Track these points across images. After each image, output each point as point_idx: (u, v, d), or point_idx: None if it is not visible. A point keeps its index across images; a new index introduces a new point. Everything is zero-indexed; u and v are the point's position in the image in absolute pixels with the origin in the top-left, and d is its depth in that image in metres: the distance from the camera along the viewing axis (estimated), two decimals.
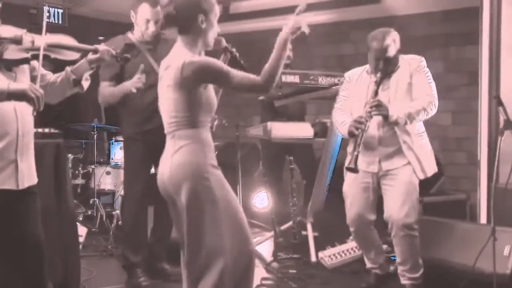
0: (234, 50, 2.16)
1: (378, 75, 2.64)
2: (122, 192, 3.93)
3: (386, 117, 2.57)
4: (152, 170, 3.13)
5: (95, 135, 4.21)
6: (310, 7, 5.54)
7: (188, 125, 2.00)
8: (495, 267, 2.30)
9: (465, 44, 5.06)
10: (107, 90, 2.90)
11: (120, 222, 3.76)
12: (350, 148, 2.74)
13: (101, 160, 4.45)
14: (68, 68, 2.07)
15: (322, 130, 3.48)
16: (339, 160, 3.56)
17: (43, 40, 1.91)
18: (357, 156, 2.52)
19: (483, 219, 3.37)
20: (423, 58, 2.72)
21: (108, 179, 4.26)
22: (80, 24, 5.33)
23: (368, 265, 2.97)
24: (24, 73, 2.00)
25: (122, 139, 3.46)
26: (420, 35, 4.82)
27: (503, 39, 3.33)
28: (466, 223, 3.27)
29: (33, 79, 2.05)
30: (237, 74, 1.97)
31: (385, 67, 2.64)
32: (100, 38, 5.60)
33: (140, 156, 2.95)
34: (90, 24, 5.71)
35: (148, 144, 2.92)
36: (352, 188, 2.78)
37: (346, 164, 2.63)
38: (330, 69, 4.53)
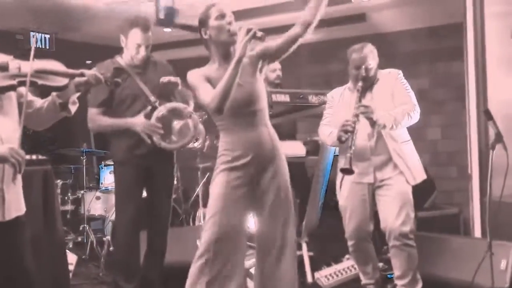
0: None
1: (360, 83, 2.71)
2: (112, 217, 3.87)
3: (372, 122, 2.62)
4: (144, 194, 3.10)
5: (84, 160, 4.16)
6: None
7: None
8: (494, 282, 2.28)
9: (452, 59, 5.14)
10: (102, 120, 2.84)
11: (111, 248, 3.68)
12: (341, 163, 2.76)
13: (91, 185, 4.38)
14: (54, 93, 2.04)
15: (314, 148, 3.47)
16: (332, 178, 3.55)
17: (30, 66, 1.89)
18: (351, 158, 2.54)
19: (477, 232, 3.37)
20: (400, 71, 2.82)
21: (98, 204, 4.20)
22: (67, 49, 5.33)
23: (364, 281, 2.95)
24: (11, 100, 1.96)
25: (112, 163, 3.42)
26: (407, 51, 4.90)
27: (488, 53, 3.38)
28: (461, 238, 3.27)
29: (20, 106, 2.02)
30: (200, 91, 2.12)
31: (365, 76, 2.72)
32: (88, 62, 5.60)
33: (131, 180, 2.90)
34: (77, 49, 5.71)
35: (139, 168, 2.88)
36: (349, 201, 2.81)
37: (340, 166, 2.67)
38: (318, 87, 4.57)
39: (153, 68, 2.94)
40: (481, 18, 3.39)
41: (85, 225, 4.01)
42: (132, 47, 2.81)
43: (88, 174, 4.44)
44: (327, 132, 2.84)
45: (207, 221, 2.20)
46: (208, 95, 2.10)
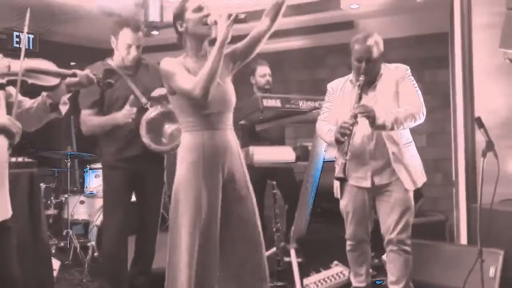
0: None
1: (361, 78, 2.55)
2: (97, 222, 3.79)
3: (372, 121, 2.48)
4: (133, 199, 3.04)
5: (69, 163, 4.07)
6: (286, 33, 5.64)
7: None
8: None
9: (438, 67, 5.22)
10: (93, 120, 2.80)
11: (95, 254, 3.60)
12: (339, 161, 2.66)
13: (74, 189, 4.29)
14: (44, 93, 1.99)
15: (304, 154, 3.46)
16: (321, 184, 3.54)
17: (20, 65, 1.84)
18: (345, 165, 2.46)
19: (463, 239, 3.39)
20: (408, 67, 2.68)
21: (81, 209, 4.10)
22: (51, 50, 5.23)
23: (355, 283, 2.89)
24: None
25: (101, 166, 3.34)
26: (394, 59, 4.94)
27: (475, 62, 3.42)
28: (451, 245, 3.29)
29: (8, 105, 1.96)
30: (178, 78, 2.06)
31: (368, 70, 2.56)
32: (72, 63, 5.52)
33: (120, 184, 2.85)
34: (61, 50, 5.61)
35: (128, 172, 2.83)
36: (350, 205, 2.73)
37: (335, 174, 2.58)
38: (306, 93, 4.60)
39: (144, 70, 2.91)
40: (468, 29, 3.43)
41: (69, 230, 3.92)
42: (123, 47, 2.78)
43: (71, 178, 4.33)
44: (325, 129, 2.70)
45: None
46: (188, 81, 2.05)
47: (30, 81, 1.90)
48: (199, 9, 2.12)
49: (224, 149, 2.16)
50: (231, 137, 2.21)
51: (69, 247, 3.94)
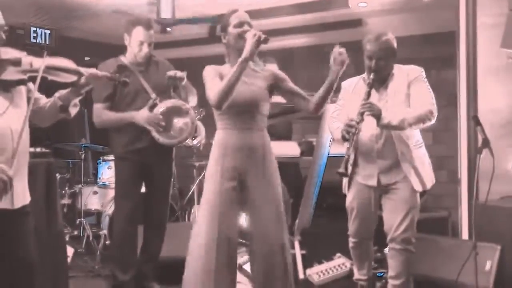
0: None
1: (371, 76, 2.57)
2: (109, 212, 3.93)
3: (378, 119, 2.51)
4: (143, 189, 3.17)
5: (83, 155, 4.21)
6: (294, 30, 5.69)
7: None
8: (477, 282, 2.38)
9: (444, 67, 5.25)
10: (108, 115, 2.92)
11: (107, 242, 3.75)
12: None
13: (88, 180, 4.43)
14: (56, 94, 2.10)
15: (309, 149, 3.56)
16: (325, 178, 3.64)
17: (42, 62, 1.96)
18: (347, 161, 2.49)
19: (465, 235, 3.47)
20: (422, 69, 2.69)
21: (94, 199, 4.25)
22: (67, 45, 5.37)
23: (357, 276, 2.95)
24: (21, 94, 2.03)
25: (113, 158, 3.47)
26: (401, 58, 4.99)
27: (479, 62, 3.49)
28: (448, 239, 3.37)
29: (28, 100, 2.09)
30: (207, 84, 2.26)
31: (378, 68, 2.57)
32: (86, 58, 5.67)
33: (130, 174, 2.97)
34: (77, 45, 5.75)
35: (138, 163, 2.95)
36: (355, 202, 2.75)
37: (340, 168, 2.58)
38: (313, 90, 4.68)
39: (155, 67, 3.03)
40: (473, 28, 3.50)
41: (82, 219, 4.06)
42: (135, 44, 2.91)
43: (85, 169, 4.48)
44: (335, 126, 2.74)
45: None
46: (213, 90, 2.21)
47: (50, 77, 2.03)
48: (240, 24, 2.28)
49: (247, 149, 2.29)
50: (258, 138, 2.33)
51: (82, 236, 4.09)
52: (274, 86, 2.40)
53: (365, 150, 2.65)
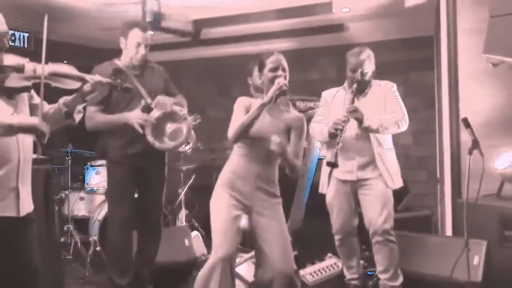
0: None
1: (355, 86, 2.90)
2: (99, 217, 3.89)
3: (360, 122, 2.83)
4: (136, 195, 3.16)
5: (69, 160, 4.15)
6: (278, 35, 5.74)
7: None
8: (470, 276, 2.49)
9: (423, 70, 5.43)
10: (100, 117, 2.91)
11: (97, 248, 3.71)
12: (327, 157, 2.97)
13: (74, 185, 4.37)
14: (61, 101, 2.10)
15: None
16: (315, 181, 3.71)
17: (44, 68, 1.96)
18: (337, 153, 2.74)
19: (448, 232, 3.60)
20: (394, 84, 3.06)
21: (81, 205, 4.20)
22: (46, 48, 5.28)
23: (348, 276, 3.13)
24: (24, 100, 2.02)
25: (101, 163, 3.44)
26: (382, 61, 5.14)
27: (460, 66, 3.62)
28: (438, 237, 3.49)
29: (31, 107, 2.07)
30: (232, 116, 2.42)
31: (361, 80, 2.91)
32: (65, 62, 5.58)
33: (124, 179, 2.97)
34: (55, 48, 5.65)
35: (132, 168, 2.95)
36: (336, 199, 3.01)
37: (327, 159, 2.87)
38: (296, 94, 4.76)
39: (150, 71, 3.04)
40: (454, 34, 3.63)
41: (69, 225, 4.01)
42: (132, 46, 2.91)
43: (71, 175, 4.41)
44: (318, 129, 3.04)
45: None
46: (233, 125, 2.38)
47: (53, 84, 2.03)
48: (275, 69, 2.43)
49: (243, 179, 2.42)
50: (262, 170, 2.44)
51: (69, 242, 4.03)
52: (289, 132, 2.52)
53: (346, 148, 2.88)
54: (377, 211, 2.89)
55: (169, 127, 2.97)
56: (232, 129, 2.38)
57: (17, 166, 1.91)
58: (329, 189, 3.04)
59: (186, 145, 3.78)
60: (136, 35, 2.91)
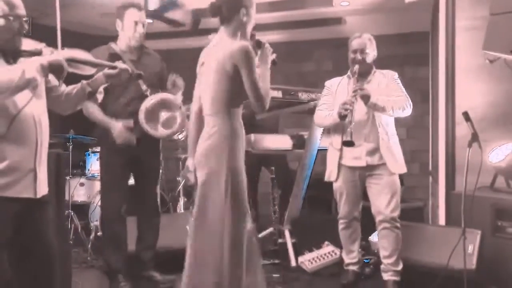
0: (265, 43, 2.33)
1: (357, 66, 2.97)
2: (100, 203, 3.92)
3: (367, 99, 2.86)
4: (131, 181, 3.18)
5: (71, 146, 4.16)
6: (276, 26, 5.78)
7: None
8: (465, 263, 2.60)
9: (418, 65, 5.53)
10: (91, 109, 2.88)
11: (99, 233, 3.75)
12: (337, 141, 3.03)
13: (74, 171, 4.39)
14: (84, 81, 2.15)
15: (300, 142, 3.70)
16: (314, 171, 3.80)
17: (60, 54, 1.99)
18: (351, 132, 2.78)
19: (441, 222, 3.72)
20: (396, 73, 3.13)
21: (81, 191, 4.23)
22: (43, 34, 5.25)
23: (347, 260, 3.22)
24: (41, 84, 2.05)
25: (99, 149, 3.46)
26: (378, 56, 5.24)
27: (457, 61, 3.72)
28: (434, 226, 3.61)
29: (48, 91, 2.11)
30: (258, 78, 2.20)
31: (362, 60, 2.98)
32: (63, 48, 5.54)
33: (118, 166, 2.97)
34: (53, 34, 5.62)
35: (127, 155, 2.95)
36: (344, 186, 3.08)
37: (344, 139, 2.85)
38: (291, 85, 4.82)
39: (146, 57, 3.04)
40: (452, 30, 3.72)
41: (70, 211, 4.04)
42: (130, 26, 2.91)
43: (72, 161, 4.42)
44: (323, 115, 3.09)
45: None
46: (259, 88, 2.26)
47: (69, 69, 2.06)
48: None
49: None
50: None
51: (70, 227, 4.06)
52: None
53: (354, 135, 2.88)
54: (386, 201, 2.96)
55: (162, 115, 2.98)
56: (264, 93, 2.25)
57: (35, 148, 1.95)
58: (338, 178, 3.08)
59: (179, 134, 3.82)
60: (133, 14, 2.91)
